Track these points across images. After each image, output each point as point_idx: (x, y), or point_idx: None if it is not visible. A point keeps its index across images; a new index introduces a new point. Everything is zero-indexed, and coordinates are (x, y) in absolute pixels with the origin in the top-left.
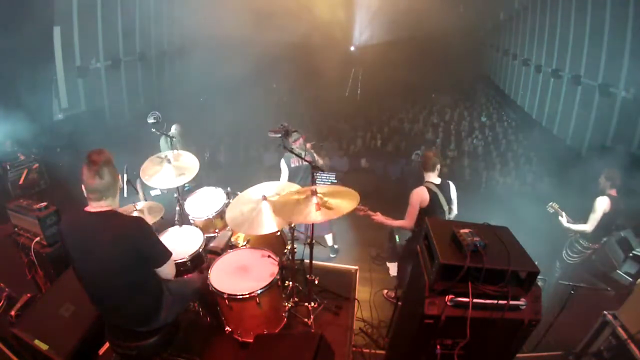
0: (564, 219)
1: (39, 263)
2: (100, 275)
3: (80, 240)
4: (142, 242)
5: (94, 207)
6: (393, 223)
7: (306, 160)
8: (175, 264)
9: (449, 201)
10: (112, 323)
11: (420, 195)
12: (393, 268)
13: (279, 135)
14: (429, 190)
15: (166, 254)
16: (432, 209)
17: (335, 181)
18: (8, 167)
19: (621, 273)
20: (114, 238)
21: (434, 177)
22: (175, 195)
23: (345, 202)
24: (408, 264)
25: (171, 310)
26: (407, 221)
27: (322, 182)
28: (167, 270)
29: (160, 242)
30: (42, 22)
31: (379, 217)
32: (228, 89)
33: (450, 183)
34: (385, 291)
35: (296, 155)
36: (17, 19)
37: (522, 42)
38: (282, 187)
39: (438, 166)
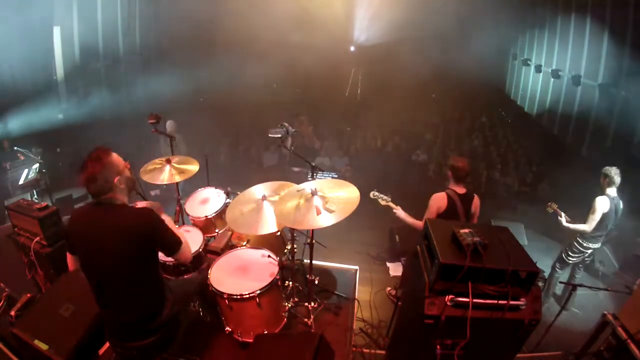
0: (563, 219)
1: (39, 263)
2: (107, 268)
3: (88, 232)
4: (153, 232)
5: (101, 200)
6: (412, 221)
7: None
8: (176, 264)
9: (467, 214)
10: (113, 320)
11: (437, 202)
12: (393, 268)
13: (279, 135)
14: (449, 197)
15: (177, 241)
16: (448, 218)
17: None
18: (8, 167)
19: (619, 273)
20: (123, 229)
21: (459, 187)
22: (175, 195)
23: (347, 203)
24: None
25: (172, 310)
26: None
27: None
28: (182, 257)
29: (171, 230)
30: (42, 22)
31: (400, 212)
32: (227, 88)
33: (475, 196)
34: (388, 289)
35: (297, 155)
36: (17, 19)
37: (522, 42)
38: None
39: (467, 177)
